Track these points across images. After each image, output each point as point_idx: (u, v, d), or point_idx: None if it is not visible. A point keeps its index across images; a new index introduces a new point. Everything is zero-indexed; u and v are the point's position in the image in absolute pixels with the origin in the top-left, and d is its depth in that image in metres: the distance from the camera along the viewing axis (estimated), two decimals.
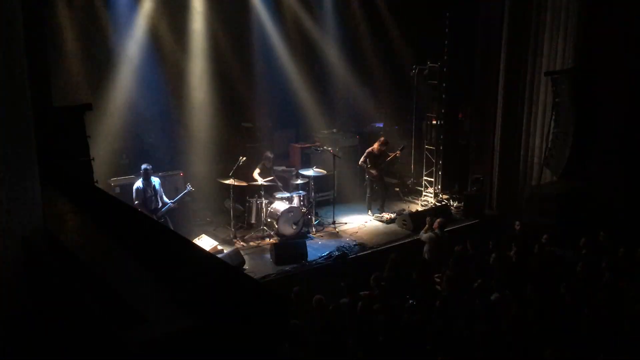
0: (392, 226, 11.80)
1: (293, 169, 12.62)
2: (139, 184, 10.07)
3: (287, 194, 11.27)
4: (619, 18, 11.01)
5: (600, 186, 11.00)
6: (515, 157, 12.66)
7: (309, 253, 10.07)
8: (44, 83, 7.76)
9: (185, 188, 10.64)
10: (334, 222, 11.70)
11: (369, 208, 12.41)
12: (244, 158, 11.07)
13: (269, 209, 11.01)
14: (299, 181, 11.61)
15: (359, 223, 11.95)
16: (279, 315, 2.12)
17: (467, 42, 13.03)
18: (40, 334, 2.34)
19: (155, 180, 10.23)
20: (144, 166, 10.07)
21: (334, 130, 14.23)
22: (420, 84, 13.51)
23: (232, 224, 11.03)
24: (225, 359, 2.04)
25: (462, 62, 13.16)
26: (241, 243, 10.74)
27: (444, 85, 13.02)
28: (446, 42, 12.83)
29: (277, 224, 10.74)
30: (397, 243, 10.85)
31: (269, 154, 11.68)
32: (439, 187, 13.35)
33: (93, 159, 7.20)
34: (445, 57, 12.87)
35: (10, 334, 2.26)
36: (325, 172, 11.75)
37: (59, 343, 2.25)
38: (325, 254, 10.15)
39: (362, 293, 7.87)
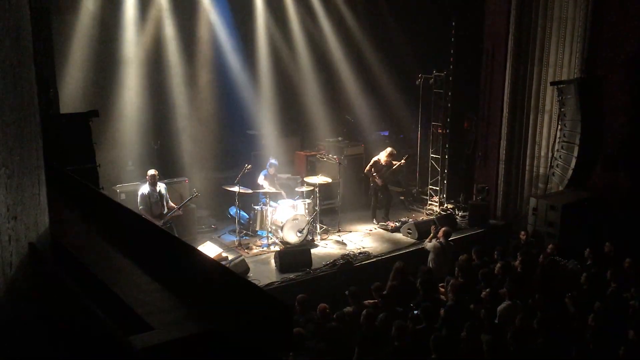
0: (397, 235, 11.78)
1: (298, 176, 12.63)
2: (144, 189, 10.07)
3: (292, 202, 11.27)
4: (626, 28, 11.01)
5: (607, 196, 10.96)
6: (520, 167, 12.65)
7: (313, 261, 10.05)
8: (51, 90, 7.82)
9: (191, 194, 10.66)
10: (338, 230, 11.70)
11: (374, 216, 12.41)
12: (250, 165, 11.09)
13: (274, 216, 11.01)
14: (304, 189, 11.61)
15: (364, 231, 11.95)
16: (283, 324, 2.12)
17: (473, 51, 13.05)
18: (45, 341, 2.35)
19: (161, 185, 10.24)
20: (151, 172, 10.07)
21: (339, 138, 14.25)
22: (426, 93, 13.52)
23: (236, 231, 11.03)
24: None
25: (468, 71, 13.18)
26: (246, 250, 10.74)
27: (450, 94, 13.03)
28: (452, 51, 12.86)
29: (281, 231, 10.74)
30: (401, 252, 10.83)
31: (273, 161, 11.65)
32: (444, 196, 13.34)
33: (99, 166, 7.24)
34: (451, 66, 12.90)
35: (16, 340, 2.27)
36: (330, 180, 11.75)
37: (64, 350, 2.25)
38: (330, 262, 10.14)
39: (366, 302, 7.86)
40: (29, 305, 2.31)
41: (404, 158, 12.39)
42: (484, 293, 7.74)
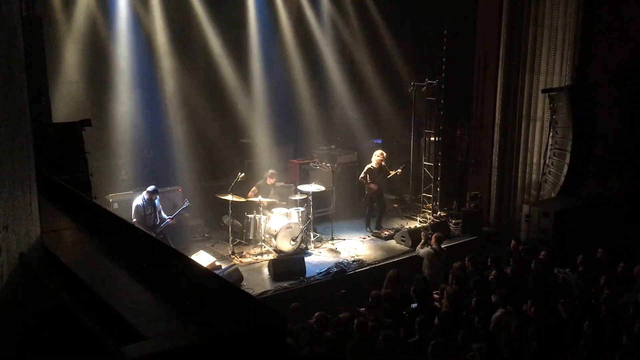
0: (391, 242, 11.77)
1: (292, 184, 12.62)
2: (139, 201, 10.02)
3: (285, 210, 11.25)
4: (616, 36, 11.09)
5: (599, 203, 11.00)
6: (513, 174, 12.68)
7: (307, 269, 10.03)
8: (43, 99, 7.80)
9: (183, 204, 10.62)
10: (332, 238, 11.68)
11: (368, 224, 12.40)
12: (243, 174, 11.08)
13: (268, 225, 10.99)
14: (298, 197, 11.59)
15: (357, 239, 11.93)
16: (277, 333, 2.11)
17: (465, 59, 13.11)
18: (37, 351, 2.33)
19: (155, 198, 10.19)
20: (152, 188, 10.00)
21: (333, 146, 14.27)
22: (418, 101, 13.55)
23: (230, 239, 10.99)
24: None
25: (460, 79, 13.23)
26: (239, 259, 10.70)
27: (442, 102, 13.07)
28: (444, 59, 12.91)
29: (275, 240, 10.71)
30: (395, 259, 10.83)
31: (272, 171, 11.60)
32: (437, 203, 13.34)
33: (91, 175, 7.20)
34: (443, 74, 12.94)
35: (7, 351, 2.25)
36: (324, 188, 11.74)
37: None
38: (324, 270, 10.12)
39: (361, 309, 7.83)
40: (19, 317, 2.29)
41: (401, 167, 12.36)
42: (473, 301, 7.73)
